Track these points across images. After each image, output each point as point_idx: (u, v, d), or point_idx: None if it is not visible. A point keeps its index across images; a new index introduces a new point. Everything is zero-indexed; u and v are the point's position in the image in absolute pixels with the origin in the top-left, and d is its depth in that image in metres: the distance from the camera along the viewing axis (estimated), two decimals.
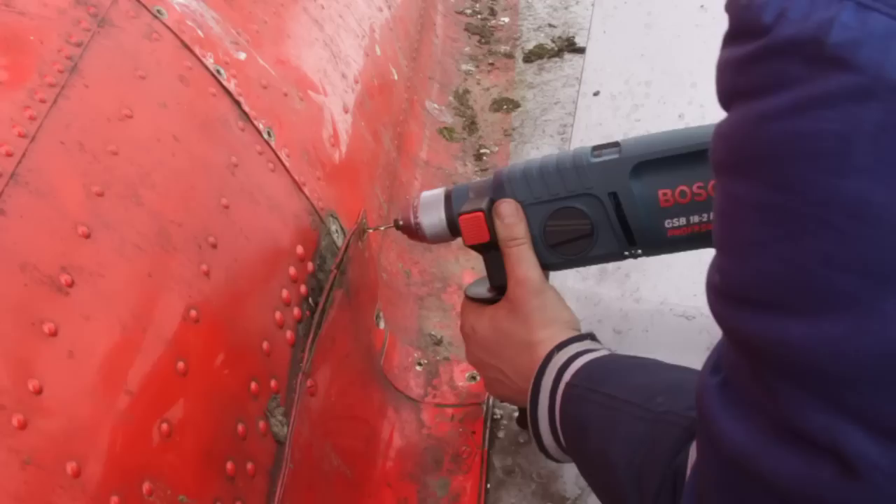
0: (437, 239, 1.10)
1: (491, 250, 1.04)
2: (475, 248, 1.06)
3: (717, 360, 0.66)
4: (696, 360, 0.77)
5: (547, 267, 1.05)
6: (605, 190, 0.98)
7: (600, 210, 0.99)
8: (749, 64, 0.56)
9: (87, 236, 0.81)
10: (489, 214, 1.03)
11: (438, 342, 1.38)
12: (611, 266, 1.55)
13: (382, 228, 1.23)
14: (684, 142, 0.95)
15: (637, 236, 0.99)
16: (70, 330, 0.75)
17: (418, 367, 1.31)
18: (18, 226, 0.76)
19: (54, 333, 0.73)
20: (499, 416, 1.26)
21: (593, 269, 1.57)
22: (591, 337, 1.01)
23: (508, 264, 1.03)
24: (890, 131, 0.50)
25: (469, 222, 1.04)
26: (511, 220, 1.02)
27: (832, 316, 0.53)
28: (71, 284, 0.77)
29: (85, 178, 0.84)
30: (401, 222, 1.10)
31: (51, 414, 0.71)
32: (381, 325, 1.27)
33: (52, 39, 0.92)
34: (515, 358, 1.04)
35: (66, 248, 0.79)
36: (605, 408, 0.88)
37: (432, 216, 1.07)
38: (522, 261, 1.02)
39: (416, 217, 1.08)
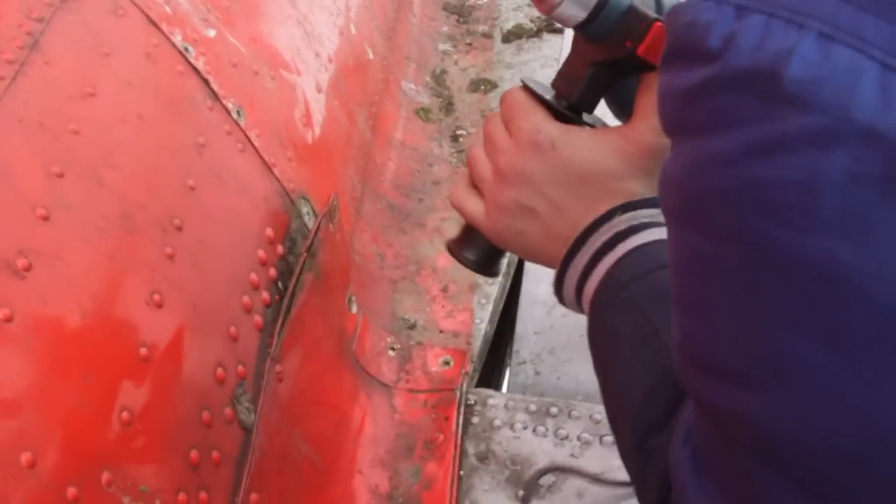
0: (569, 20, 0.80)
1: (630, 73, 0.82)
2: (623, 63, 0.82)
3: (688, 427, 0.59)
4: None
5: None
6: None
7: None
8: (696, 96, 0.50)
9: (46, 218, 0.78)
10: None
11: (412, 326, 1.36)
12: None
13: None
14: None
15: None
16: (26, 315, 0.72)
17: (391, 352, 1.29)
18: None
19: (9, 319, 0.71)
20: (472, 402, 1.24)
21: None
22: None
23: (653, 106, 0.76)
24: (859, 181, 0.44)
25: (661, 33, 0.77)
26: None
27: (798, 390, 0.48)
28: (28, 268, 0.74)
29: (44, 157, 0.82)
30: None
31: (3, 402, 0.69)
32: (354, 309, 1.25)
33: (12, 14, 0.89)
34: (593, 197, 0.81)
35: (24, 230, 0.76)
36: (638, 333, 0.75)
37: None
38: None
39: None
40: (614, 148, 0.82)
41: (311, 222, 1.14)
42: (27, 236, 0.76)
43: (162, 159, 0.94)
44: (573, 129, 0.83)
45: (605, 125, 0.86)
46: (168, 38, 1.04)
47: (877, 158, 0.44)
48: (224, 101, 1.07)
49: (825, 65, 0.44)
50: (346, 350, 1.21)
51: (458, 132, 1.78)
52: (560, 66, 0.86)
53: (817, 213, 0.45)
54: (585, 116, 0.86)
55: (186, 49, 1.05)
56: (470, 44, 2.06)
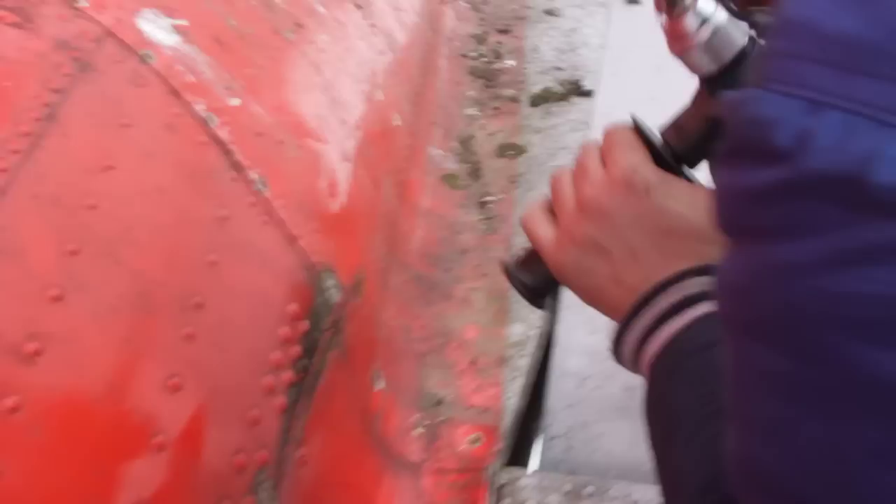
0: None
1: None
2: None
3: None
4: None
5: None
6: None
7: None
8: (766, 199, 0.45)
9: (59, 299, 0.74)
10: None
11: (439, 402, 1.31)
12: None
13: None
14: None
15: None
16: (34, 404, 0.68)
17: (418, 430, 1.24)
18: None
19: (16, 409, 0.67)
20: (503, 483, 1.19)
21: (602, 323, 1.50)
22: None
23: None
24: None
25: None
26: None
27: None
28: (38, 353, 0.70)
29: (59, 235, 0.78)
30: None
31: (8, 498, 0.64)
32: (379, 385, 1.20)
33: (30, 85, 0.86)
34: (680, 254, 0.75)
35: (35, 312, 0.72)
36: (700, 411, 0.69)
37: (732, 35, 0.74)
38: None
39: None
40: (710, 209, 0.76)
41: (336, 296, 1.10)
42: (38, 319, 0.72)
43: (182, 234, 0.91)
44: (670, 178, 0.77)
45: (700, 183, 0.80)
46: (190, 108, 1.01)
47: None
48: (247, 172, 1.04)
49: None
50: (370, 428, 1.16)
51: (486, 198, 1.74)
52: (676, 115, 0.80)
53: None
54: (685, 170, 0.80)
55: (209, 118, 1.02)
56: (497, 108, 2.03)
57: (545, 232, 0.81)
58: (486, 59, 2.22)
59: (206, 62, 1.08)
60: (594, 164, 0.79)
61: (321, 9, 1.44)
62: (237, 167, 1.03)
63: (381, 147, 1.49)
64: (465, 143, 1.90)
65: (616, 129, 0.79)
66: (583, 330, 1.49)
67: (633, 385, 1.33)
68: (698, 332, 0.71)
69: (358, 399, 1.13)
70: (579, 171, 0.80)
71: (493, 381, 1.36)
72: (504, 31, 2.32)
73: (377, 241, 1.35)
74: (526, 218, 0.83)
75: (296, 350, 0.99)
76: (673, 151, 0.79)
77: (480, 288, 1.52)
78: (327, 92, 1.33)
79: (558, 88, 2.07)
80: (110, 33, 0.96)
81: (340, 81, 1.39)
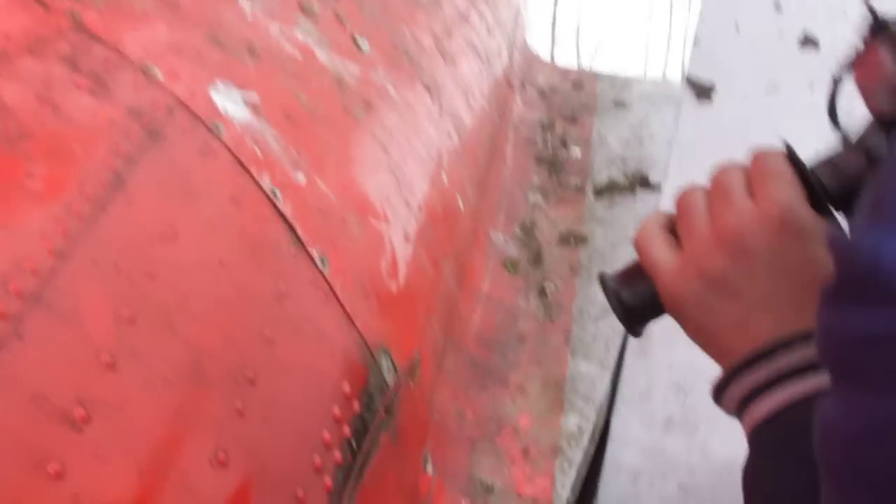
0: None
1: None
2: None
3: None
4: None
5: None
6: None
7: None
8: (878, 346, 0.42)
9: (111, 366, 0.74)
10: None
11: (490, 490, 1.28)
12: (677, 416, 1.46)
13: None
14: None
15: None
16: (78, 472, 0.67)
17: None
18: (35, 353, 0.69)
19: (60, 476, 0.66)
20: None
21: (659, 418, 1.47)
22: None
23: None
24: None
25: None
26: None
27: None
28: (86, 420, 0.69)
29: (116, 301, 0.78)
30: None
31: None
32: (429, 469, 1.18)
33: (98, 150, 0.86)
34: (810, 304, 0.63)
35: (85, 378, 0.72)
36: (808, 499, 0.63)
37: None
38: None
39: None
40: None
41: (390, 377, 1.08)
42: (88, 385, 0.71)
43: (240, 307, 0.90)
44: (825, 225, 0.70)
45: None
46: (256, 182, 1.01)
47: None
48: (309, 249, 1.03)
49: None
50: None
51: (546, 286, 1.72)
52: (830, 153, 0.74)
53: None
54: (836, 215, 0.73)
55: (274, 193, 1.02)
56: (561, 196, 2.03)
57: (664, 255, 0.74)
58: (552, 147, 2.22)
59: (274, 137, 1.08)
60: (739, 191, 0.71)
61: (391, 89, 1.45)
62: (299, 243, 1.02)
63: (444, 229, 1.49)
64: (528, 229, 1.89)
65: (769, 155, 0.73)
66: (639, 424, 1.46)
67: (688, 485, 1.29)
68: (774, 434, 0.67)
69: (407, 483, 1.10)
70: (719, 194, 0.72)
71: (545, 471, 1.33)
72: (571, 121, 2.32)
73: (434, 323, 1.34)
74: (642, 235, 0.77)
75: (346, 430, 0.98)
76: (827, 192, 0.72)
77: (536, 376, 1.49)
78: (392, 172, 1.34)
79: (623, 180, 2.06)
80: (182, 104, 0.97)
81: (406, 163, 1.39)
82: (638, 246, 0.77)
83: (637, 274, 0.79)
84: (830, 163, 0.73)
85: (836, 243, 0.46)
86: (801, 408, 0.64)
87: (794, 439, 0.63)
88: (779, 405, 0.66)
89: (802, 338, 0.66)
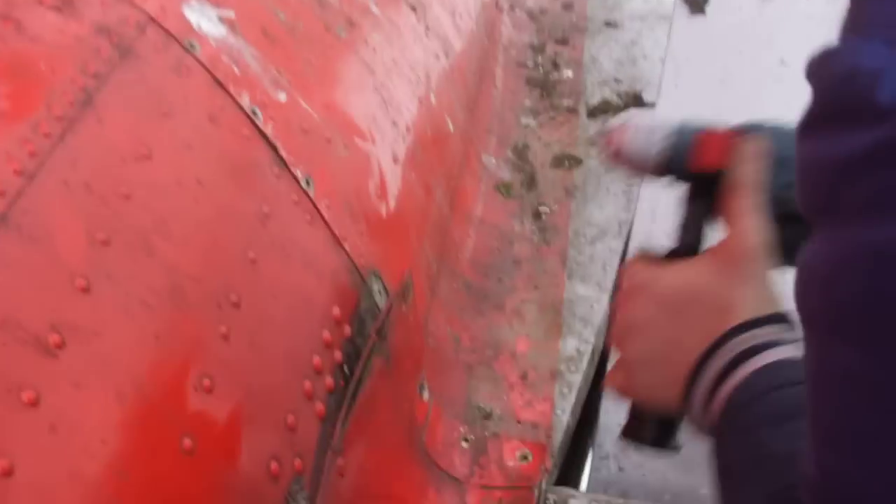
0: (638, 160, 0.88)
1: (706, 194, 0.84)
2: (693, 179, 0.86)
3: None
4: None
5: None
6: None
7: None
8: (857, 168, 0.39)
9: (86, 290, 0.70)
10: (735, 141, 0.82)
11: (488, 416, 1.26)
12: None
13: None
14: None
15: None
16: (54, 399, 0.64)
17: (464, 444, 1.19)
18: (3, 276, 0.66)
19: (34, 403, 0.63)
20: (552, 502, 1.13)
21: None
22: (784, 319, 0.75)
23: (738, 216, 0.79)
24: None
25: (710, 140, 0.84)
26: (760, 157, 0.79)
27: None
28: (61, 345, 0.66)
29: (89, 223, 0.74)
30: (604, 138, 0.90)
31: (20, 495, 0.60)
32: (425, 396, 1.15)
33: (66, 68, 0.82)
34: (700, 320, 0.77)
35: (59, 302, 0.68)
36: (753, 464, 0.68)
37: (654, 134, 0.87)
38: (757, 216, 0.78)
39: (630, 132, 0.88)
40: (706, 265, 0.80)
41: (382, 301, 1.05)
42: (62, 309, 0.68)
43: (221, 229, 0.86)
44: (668, 264, 0.82)
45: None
46: (235, 100, 0.97)
47: None
48: (292, 169, 0.99)
49: None
50: (415, 441, 1.11)
51: (541, 209, 1.69)
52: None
53: None
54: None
55: (254, 112, 0.98)
56: (554, 118, 1.98)
57: (617, 378, 0.84)
58: (543, 69, 2.16)
59: (252, 55, 1.04)
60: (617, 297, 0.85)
61: (375, 8, 1.40)
62: (281, 163, 0.99)
63: (434, 152, 1.45)
64: (521, 152, 1.85)
65: (628, 265, 0.87)
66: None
67: None
68: (750, 384, 0.70)
69: (402, 409, 1.08)
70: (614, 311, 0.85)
71: (545, 396, 1.31)
72: (562, 42, 2.26)
73: (426, 247, 1.30)
74: (616, 390, 0.86)
75: (337, 355, 0.95)
76: (678, 249, 0.86)
77: (533, 300, 1.46)
78: (378, 92, 1.29)
79: (617, 100, 2.01)
80: (153, 20, 0.92)
81: (392, 83, 1.35)
82: (611, 391, 0.87)
83: (633, 408, 0.87)
84: (676, 228, 0.87)
85: (812, 65, 0.43)
86: (735, 395, 0.69)
87: (736, 417, 0.69)
88: (721, 404, 0.71)
89: (715, 346, 0.74)
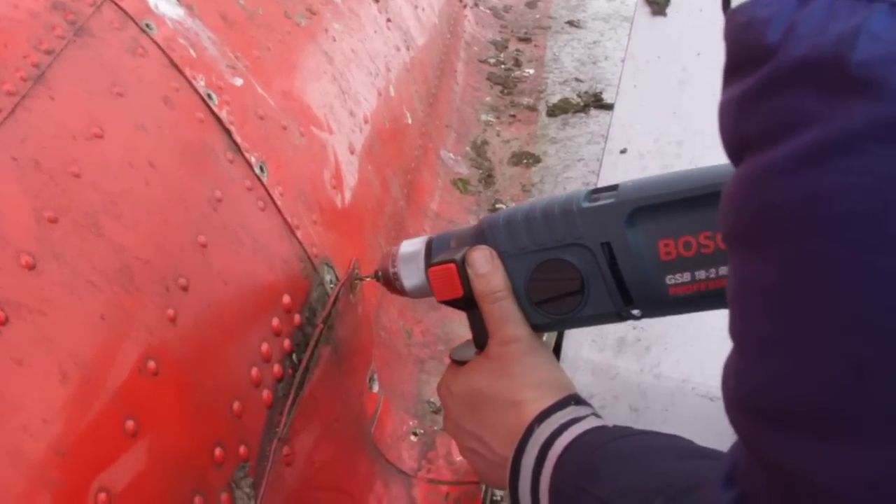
0: (417, 293, 0.93)
1: (472, 308, 0.88)
2: (452, 305, 0.89)
3: (730, 471, 0.52)
4: (718, 444, 0.66)
5: (533, 328, 0.87)
6: (597, 240, 0.82)
7: (592, 263, 0.82)
8: (752, 102, 0.42)
9: (31, 267, 0.69)
10: (463, 266, 0.86)
11: (437, 411, 1.26)
12: (630, 337, 1.44)
13: (363, 279, 1.08)
14: (690, 184, 0.78)
15: (634, 294, 0.82)
16: None
17: (413, 438, 1.19)
18: None
19: None
20: (499, 498, 1.13)
21: (611, 340, 1.45)
22: (575, 400, 0.83)
23: (489, 322, 0.86)
24: None
25: (438, 275, 0.87)
26: (485, 269, 0.84)
27: (871, 442, 0.40)
28: (3, 322, 0.65)
29: (37, 200, 0.73)
30: (380, 273, 0.95)
31: None
32: (375, 388, 1.15)
33: (18, 44, 0.81)
34: (497, 421, 0.85)
35: (4, 279, 0.67)
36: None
37: (411, 267, 0.92)
38: (504, 318, 0.84)
39: (394, 267, 0.93)
40: (482, 369, 0.87)
41: (332, 291, 1.04)
42: (6, 286, 0.67)
43: (171, 211, 0.85)
44: (463, 370, 0.89)
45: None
46: (190, 83, 0.96)
47: None
48: (246, 155, 0.99)
49: None
50: (364, 433, 1.10)
51: (497, 206, 1.69)
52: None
53: (888, 226, 0.37)
54: None
55: (209, 96, 0.97)
56: (514, 116, 1.99)
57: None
58: (505, 67, 2.17)
59: (209, 38, 1.03)
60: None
61: None
62: (235, 149, 0.98)
63: (391, 144, 1.44)
64: (479, 148, 1.85)
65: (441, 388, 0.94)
66: (589, 347, 1.43)
67: (639, 407, 1.27)
68: (569, 460, 0.76)
69: (351, 401, 1.07)
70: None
71: None
72: (525, 40, 2.27)
73: (381, 240, 1.30)
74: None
75: (286, 343, 0.94)
76: (478, 350, 0.90)
77: None
78: (337, 82, 1.29)
79: (577, 100, 2.02)
80: None
81: (351, 73, 1.34)
82: None
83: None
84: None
85: (724, 25, 0.46)
86: (558, 475, 0.76)
87: (585, 468, 0.75)
88: (546, 489, 0.77)
89: (523, 441, 0.81)
